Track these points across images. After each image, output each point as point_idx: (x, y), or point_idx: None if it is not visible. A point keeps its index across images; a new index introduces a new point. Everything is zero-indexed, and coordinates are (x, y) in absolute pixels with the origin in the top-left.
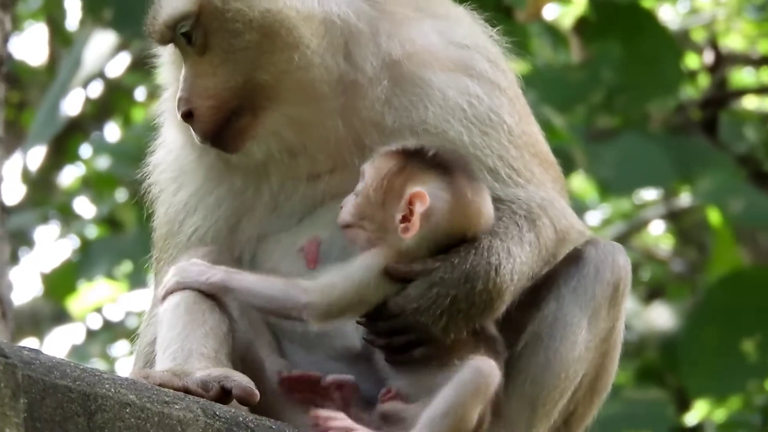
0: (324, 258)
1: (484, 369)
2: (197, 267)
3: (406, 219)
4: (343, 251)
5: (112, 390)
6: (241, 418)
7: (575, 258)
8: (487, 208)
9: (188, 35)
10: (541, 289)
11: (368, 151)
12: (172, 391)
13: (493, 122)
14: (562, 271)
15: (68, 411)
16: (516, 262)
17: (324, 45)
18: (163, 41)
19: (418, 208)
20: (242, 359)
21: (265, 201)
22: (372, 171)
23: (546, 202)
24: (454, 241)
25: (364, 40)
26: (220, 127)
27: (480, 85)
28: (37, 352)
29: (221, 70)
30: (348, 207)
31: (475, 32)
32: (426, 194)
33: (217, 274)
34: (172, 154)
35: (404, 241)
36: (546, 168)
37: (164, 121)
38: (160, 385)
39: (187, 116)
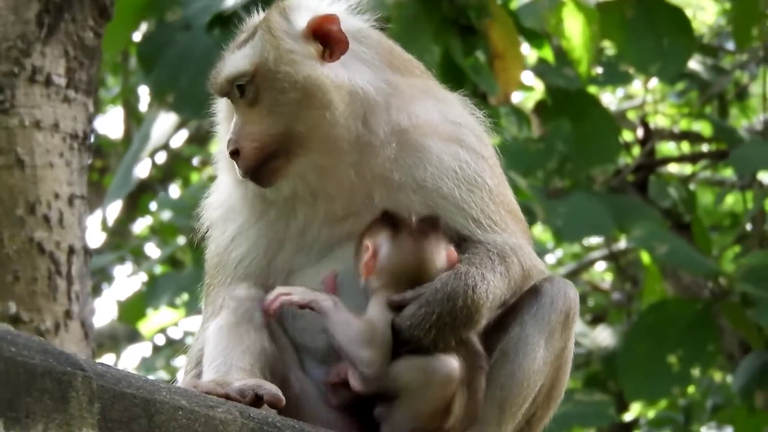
0: (340, 287)
1: (441, 365)
2: (309, 292)
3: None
4: (355, 282)
5: (168, 396)
6: (270, 419)
7: (535, 291)
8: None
9: (243, 89)
10: (508, 316)
11: (378, 201)
12: (215, 397)
13: (477, 183)
14: (524, 301)
15: (133, 413)
16: (489, 284)
17: (348, 110)
18: (221, 93)
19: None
20: (272, 372)
21: (294, 237)
22: (372, 236)
23: (516, 246)
24: (418, 278)
25: (379, 110)
26: (259, 165)
27: (468, 154)
28: (109, 366)
29: (266, 119)
30: (363, 267)
31: (465, 113)
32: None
33: (324, 300)
34: (223, 194)
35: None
36: (517, 221)
37: (218, 168)
38: (206, 392)
39: (234, 154)
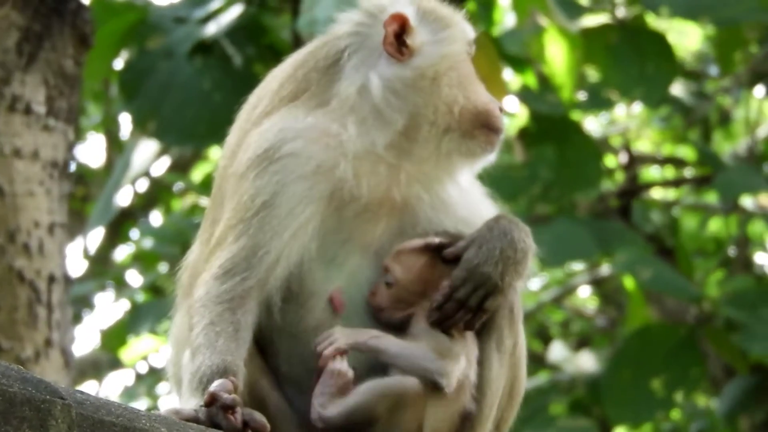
0: (347, 303)
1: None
2: (353, 332)
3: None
4: (362, 298)
5: (148, 424)
6: None
7: None
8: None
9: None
10: None
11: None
12: (195, 425)
13: None
14: None
15: None
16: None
17: None
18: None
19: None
20: (250, 392)
21: (332, 233)
22: (404, 266)
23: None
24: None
25: None
26: None
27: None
28: (88, 394)
29: None
30: (383, 295)
31: None
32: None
33: (371, 338)
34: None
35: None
36: None
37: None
38: (186, 420)
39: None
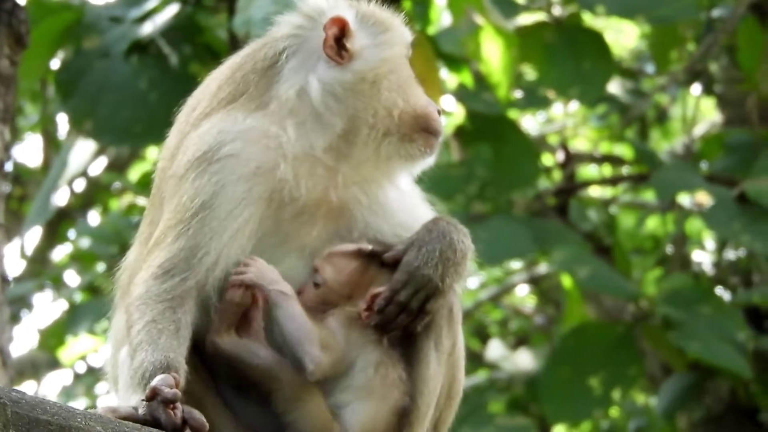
0: None
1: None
2: (272, 274)
3: (368, 308)
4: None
5: (83, 423)
6: None
7: None
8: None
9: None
10: None
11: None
12: (131, 423)
13: None
14: None
15: None
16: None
17: None
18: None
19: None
20: (188, 392)
21: (275, 226)
22: (334, 269)
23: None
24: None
25: None
26: None
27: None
28: (24, 393)
29: None
30: (310, 295)
31: None
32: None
33: (279, 292)
34: (252, 134)
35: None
36: None
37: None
38: (123, 418)
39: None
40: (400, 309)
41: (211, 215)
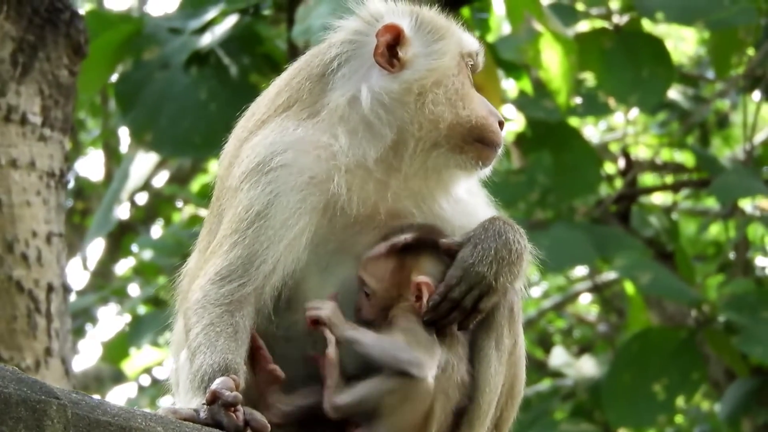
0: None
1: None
2: (339, 317)
3: (418, 298)
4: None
5: (143, 423)
6: None
7: None
8: None
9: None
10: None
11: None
12: (191, 424)
13: None
14: None
15: None
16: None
17: None
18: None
19: (425, 292)
20: (245, 394)
21: (328, 239)
22: (375, 276)
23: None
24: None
25: None
26: None
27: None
28: (84, 395)
29: None
30: (366, 307)
31: None
32: (429, 282)
33: (348, 329)
34: (306, 146)
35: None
36: None
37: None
38: (184, 419)
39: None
40: (453, 306)
41: (266, 224)
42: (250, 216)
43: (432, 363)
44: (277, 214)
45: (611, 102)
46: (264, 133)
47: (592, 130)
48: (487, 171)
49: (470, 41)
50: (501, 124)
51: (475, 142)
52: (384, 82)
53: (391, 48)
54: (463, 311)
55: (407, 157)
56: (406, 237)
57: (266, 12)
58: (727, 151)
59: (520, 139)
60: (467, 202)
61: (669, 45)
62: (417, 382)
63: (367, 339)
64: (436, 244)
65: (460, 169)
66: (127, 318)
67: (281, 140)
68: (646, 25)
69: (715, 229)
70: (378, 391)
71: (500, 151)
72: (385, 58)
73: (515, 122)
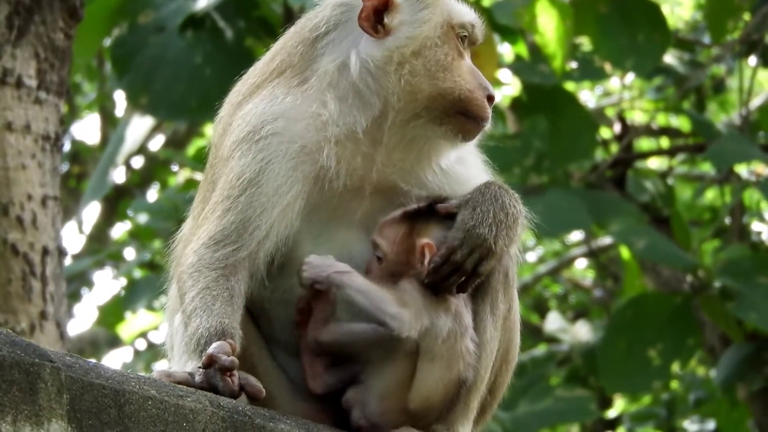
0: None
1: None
2: (324, 261)
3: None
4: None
5: (137, 387)
6: (240, 408)
7: None
8: None
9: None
10: None
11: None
12: (185, 387)
13: None
14: None
15: (102, 404)
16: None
17: None
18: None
19: (428, 254)
20: (242, 361)
21: (321, 204)
22: (387, 240)
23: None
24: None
25: None
26: None
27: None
28: (77, 357)
29: None
30: (376, 271)
31: None
32: (432, 243)
33: (335, 272)
34: (297, 111)
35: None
36: None
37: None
38: (178, 383)
39: (491, 100)
40: (454, 268)
41: (258, 191)
42: (242, 183)
43: (414, 324)
44: (269, 181)
45: (607, 67)
46: (255, 102)
47: (588, 95)
48: (467, 144)
49: (462, 12)
50: (490, 98)
51: (457, 114)
52: (370, 48)
53: (379, 13)
54: (462, 274)
55: (386, 128)
56: (420, 204)
57: None
58: (723, 117)
59: (516, 104)
60: (458, 171)
61: (665, 10)
62: (398, 339)
63: (355, 284)
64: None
65: (442, 141)
66: (123, 282)
67: (270, 110)
68: None
69: (711, 195)
70: (361, 335)
71: (486, 124)
72: (369, 23)
73: (511, 87)
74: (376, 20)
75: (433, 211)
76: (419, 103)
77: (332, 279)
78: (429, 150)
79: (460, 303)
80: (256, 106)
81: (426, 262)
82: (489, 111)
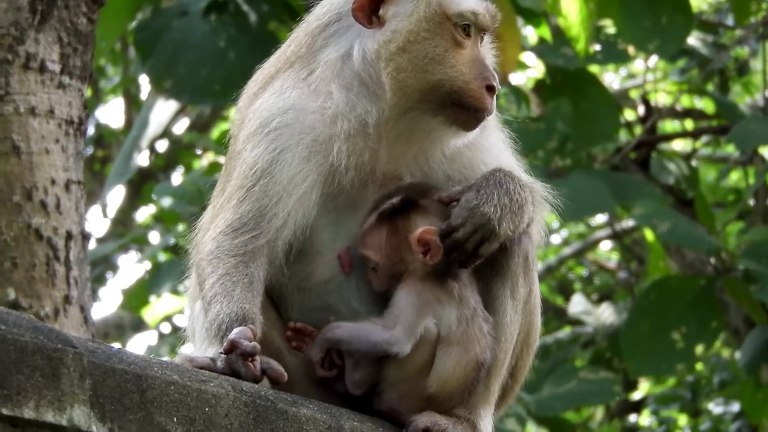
0: (354, 261)
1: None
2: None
3: (425, 253)
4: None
5: (160, 372)
6: (263, 393)
7: None
8: None
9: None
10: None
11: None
12: (208, 372)
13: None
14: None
15: (125, 389)
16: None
17: None
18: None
19: (434, 239)
20: (262, 343)
21: (335, 193)
22: (373, 248)
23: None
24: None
25: None
26: None
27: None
28: (100, 343)
29: None
30: (375, 280)
31: None
32: (432, 229)
33: (328, 331)
34: (306, 104)
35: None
36: None
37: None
38: (201, 368)
39: (492, 90)
40: (454, 245)
41: (272, 180)
42: (255, 174)
43: (409, 336)
44: (282, 171)
45: (630, 49)
46: (265, 96)
47: (612, 77)
48: (464, 135)
49: (458, 0)
50: (491, 88)
51: (453, 105)
52: (368, 39)
53: (375, 3)
54: (463, 253)
55: (384, 122)
56: (392, 201)
57: None
58: (747, 98)
59: (540, 87)
60: (466, 156)
61: None
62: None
63: (344, 335)
64: (424, 199)
65: (441, 132)
66: (148, 266)
67: (279, 104)
68: None
69: (734, 176)
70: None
71: (484, 114)
72: (363, 14)
73: (534, 69)
74: (371, 11)
75: (408, 205)
76: (412, 97)
77: (326, 341)
78: (431, 140)
79: (463, 285)
80: (266, 101)
81: (434, 245)
82: (487, 101)
